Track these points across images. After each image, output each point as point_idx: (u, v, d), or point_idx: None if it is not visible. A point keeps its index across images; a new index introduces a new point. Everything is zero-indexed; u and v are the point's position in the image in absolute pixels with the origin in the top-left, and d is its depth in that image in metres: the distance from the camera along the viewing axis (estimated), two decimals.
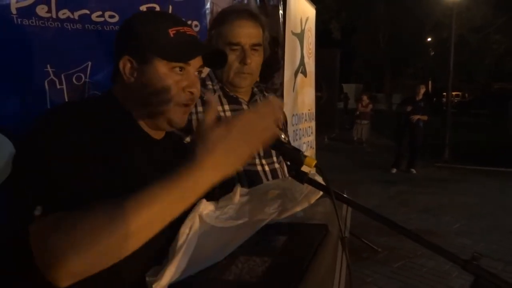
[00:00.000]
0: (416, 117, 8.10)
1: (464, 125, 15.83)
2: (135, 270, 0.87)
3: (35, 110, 1.59)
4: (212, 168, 0.76)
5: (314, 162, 0.95)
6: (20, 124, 1.53)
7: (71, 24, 1.70)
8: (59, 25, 1.66)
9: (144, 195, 0.74)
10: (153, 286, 0.80)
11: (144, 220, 0.73)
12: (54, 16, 1.64)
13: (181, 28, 0.97)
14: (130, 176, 0.90)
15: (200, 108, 1.42)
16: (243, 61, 1.41)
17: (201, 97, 1.44)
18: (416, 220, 5.28)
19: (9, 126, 1.51)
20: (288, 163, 0.98)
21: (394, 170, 8.50)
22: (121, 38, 0.99)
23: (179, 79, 0.96)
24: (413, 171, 8.38)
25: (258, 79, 1.62)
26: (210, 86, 1.49)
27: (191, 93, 0.98)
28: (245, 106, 1.51)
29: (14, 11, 1.53)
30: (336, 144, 12.71)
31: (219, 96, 1.47)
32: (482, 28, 18.03)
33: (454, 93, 33.66)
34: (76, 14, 1.71)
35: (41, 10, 1.61)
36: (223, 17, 1.44)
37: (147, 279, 0.85)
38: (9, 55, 1.52)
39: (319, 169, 0.95)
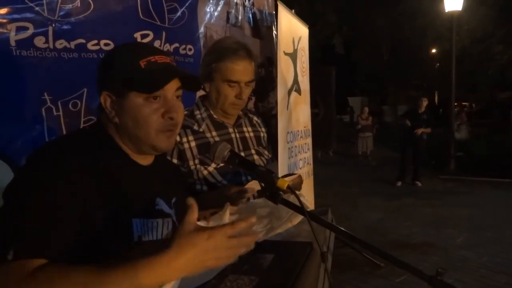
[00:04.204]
0: (420, 130, 8.10)
1: (470, 136, 15.72)
2: None
3: (32, 137, 1.68)
4: (180, 268, 0.79)
5: (286, 184, 1.00)
6: (18, 150, 1.62)
7: (68, 53, 1.80)
8: (56, 55, 1.76)
9: (106, 277, 0.77)
10: None
11: None
12: (51, 46, 1.74)
13: (152, 57, 1.00)
14: (121, 205, 0.95)
15: (191, 137, 1.54)
16: (238, 96, 1.55)
17: (191, 128, 1.55)
18: (419, 233, 5.24)
19: (8, 152, 1.60)
20: (263, 184, 1.03)
21: (399, 183, 8.45)
22: (100, 74, 1.04)
23: (157, 106, 0.99)
24: (418, 183, 8.32)
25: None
26: (199, 116, 1.60)
27: (171, 118, 1.01)
28: (230, 129, 1.64)
29: (13, 43, 1.63)
30: (341, 157, 12.71)
31: (206, 125, 1.59)
32: (484, 39, 18.10)
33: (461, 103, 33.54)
34: (73, 44, 1.81)
35: (39, 41, 1.71)
36: (222, 54, 1.55)
37: None
38: (8, 85, 1.61)
39: (291, 190, 1.00)
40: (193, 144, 1.54)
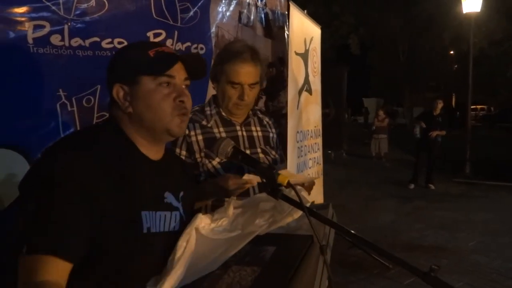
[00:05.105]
0: (435, 133, 8.02)
1: (488, 139, 15.47)
2: (139, 279, 0.97)
3: (48, 131, 1.74)
4: None
5: (287, 180, 1.04)
6: (34, 143, 1.68)
7: (83, 51, 1.85)
8: (72, 53, 1.81)
9: None
10: None
11: None
12: (67, 44, 1.80)
13: (159, 48, 1.08)
14: (131, 198, 0.99)
15: (198, 131, 1.62)
16: (241, 97, 1.60)
17: (199, 122, 1.62)
18: (431, 236, 5.20)
19: (24, 145, 1.66)
20: (264, 180, 1.06)
21: (412, 186, 8.38)
22: (111, 69, 1.09)
23: (168, 91, 1.05)
24: (432, 186, 8.24)
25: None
26: (208, 112, 1.67)
27: (182, 101, 1.07)
28: (238, 127, 1.69)
29: (30, 41, 1.69)
30: (354, 159, 12.64)
31: (215, 120, 1.66)
32: (503, 41, 17.76)
33: (479, 106, 32.99)
34: (87, 42, 1.87)
35: (55, 39, 1.76)
36: (227, 56, 1.61)
37: None
38: (25, 81, 1.68)
39: (291, 186, 1.03)
40: (200, 137, 1.61)
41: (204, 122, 1.63)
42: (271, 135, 1.80)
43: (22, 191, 0.96)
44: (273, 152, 1.76)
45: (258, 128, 1.75)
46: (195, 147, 1.60)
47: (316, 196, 3.39)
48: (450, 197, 7.54)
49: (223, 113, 1.67)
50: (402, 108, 27.39)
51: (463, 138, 10.06)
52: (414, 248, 4.75)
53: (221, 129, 1.65)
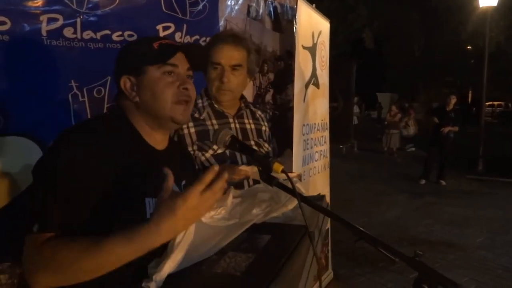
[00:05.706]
0: (447, 129, 7.95)
1: (504, 136, 15.21)
2: (141, 261, 1.01)
3: (60, 120, 1.82)
4: (167, 232, 0.91)
5: (281, 168, 1.09)
6: (47, 132, 1.75)
7: (94, 44, 1.92)
8: (83, 45, 1.88)
9: (108, 244, 0.88)
10: (154, 276, 0.94)
11: (104, 262, 0.89)
12: (79, 36, 1.86)
13: (163, 40, 1.15)
14: (135, 185, 1.05)
15: (191, 124, 1.64)
16: (221, 79, 1.61)
17: (192, 115, 1.64)
18: (438, 231, 5.20)
19: (38, 133, 1.74)
20: (260, 168, 1.12)
21: (423, 181, 8.34)
22: (118, 63, 1.16)
23: (172, 80, 1.12)
24: (443, 182, 8.18)
25: (242, 95, 1.80)
26: (200, 104, 1.69)
27: (186, 89, 1.13)
28: (230, 119, 1.71)
29: (44, 34, 1.76)
30: (366, 153, 12.60)
31: (207, 113, 1.68)
32: None
33: (496, 102, 32.37)
34: (99, 35, 1.93)
35: (68, 32, 1.83)
36: (212, 41, 1.66)
37: (149, 270, 1.00)
38: (39, 72, 1.75)
39: (285, 173, 1.08)
40: (192, 130, 1.62)
41: (196, 115, 1.65)
42: (263, 128, 1.82)
43: (34, 177, 1.03)
44: (266, 145, 1.76)
45: (251, 121, 1.77)
46: (188, 140, 1.60)
47: (323, 189, 3.43)
48: (460, 193, 7.50)
49: (215, 105, 1.68)
50: (416, 103, 27.05)
51: (478, 135, 9.94)
52: (421, 242, 4.76)
53: (214, 122, 1.66)
